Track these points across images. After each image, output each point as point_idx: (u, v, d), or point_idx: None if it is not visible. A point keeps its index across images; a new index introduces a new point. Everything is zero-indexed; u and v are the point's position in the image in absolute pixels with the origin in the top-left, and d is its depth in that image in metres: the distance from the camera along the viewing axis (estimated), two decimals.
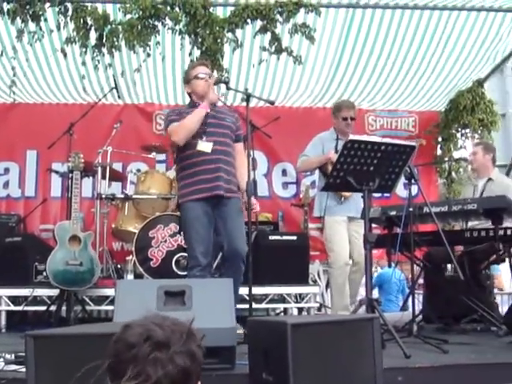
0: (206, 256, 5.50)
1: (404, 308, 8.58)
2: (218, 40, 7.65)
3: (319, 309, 8.02)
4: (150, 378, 1.67)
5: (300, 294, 7.76)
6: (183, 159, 5.70)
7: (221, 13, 7.84)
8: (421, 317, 6.74)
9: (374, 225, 6.59)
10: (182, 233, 6.89)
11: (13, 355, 4.33)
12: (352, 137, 5.33)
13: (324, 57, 8.95)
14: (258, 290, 7.01)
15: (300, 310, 7.81)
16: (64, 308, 6.87)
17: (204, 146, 5.58)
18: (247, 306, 5.44)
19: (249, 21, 7.68)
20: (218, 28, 7.61)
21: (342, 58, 9.04)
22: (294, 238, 7.73)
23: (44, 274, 7.01)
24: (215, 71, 7.49)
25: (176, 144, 5.60)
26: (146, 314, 1.84)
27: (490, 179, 7.20)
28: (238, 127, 5.93)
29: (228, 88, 5.74)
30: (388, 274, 11.63)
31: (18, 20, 7.53)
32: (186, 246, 5.79)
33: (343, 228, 7.10)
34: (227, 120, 5.84)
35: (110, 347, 1.79)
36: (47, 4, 7.50)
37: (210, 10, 7.64)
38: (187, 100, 9.59)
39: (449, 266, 7.47)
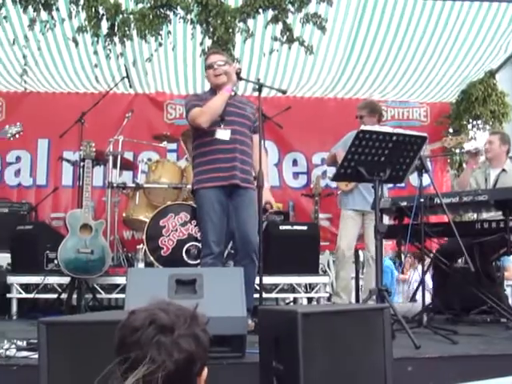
0: (218, 244, 5.53)
1: (413, 299, 8.59)
2: (230, 30, 7.64)
3: (329, 299, 8.03)
4: (154, 362, 1.69)
5: (310, 284, 7.78)
6: (200, 146, 5.71)
7: (232, 2, 7.84)
8: (430, 307, 6.74)
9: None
10: (193, 221, 6.96)
11: (24, 342, 4.37)
12: (363, 127, 5.34)
13: (336, 47, 8.94)
14: (268, 280, 7.00)
15: (310, 299, 7.83)
16: (75, 296, 6.92)
17: (222, 133, 5.58)
18: (257, 295, 5.46)
19: (260, 10, 7.67)
20: (229, 18, 7.61)
21: (353, 48, 9.02)
22: (305, 227, 7.73)
23: (55, 261, 7.04)
24: None
25: (200, 127, 5.58)
26: (151, 301, 1.85)
27: (503, 170, 7.16)
28: (256, 119, 5.92)
29: (240, 78, 5.72)
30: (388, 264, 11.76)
31: (30, 9, 7.55)
32: (200, 232, 5.82)
33: (349, 220, 7.40)
34: (246, 110, 5.83)
35: (115, 334, 1.81)
36: None
37: None
38: (198, 89, 9.71)
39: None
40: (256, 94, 5.83)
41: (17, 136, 5.73)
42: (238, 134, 5.65)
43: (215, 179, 5.54)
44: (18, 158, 10.15)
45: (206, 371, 1.83)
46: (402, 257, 7.27)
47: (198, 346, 1.76)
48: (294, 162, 10.49)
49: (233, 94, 5.74)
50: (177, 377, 1.70)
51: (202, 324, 1.82)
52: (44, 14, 7.64)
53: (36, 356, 3.64)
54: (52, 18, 7.70)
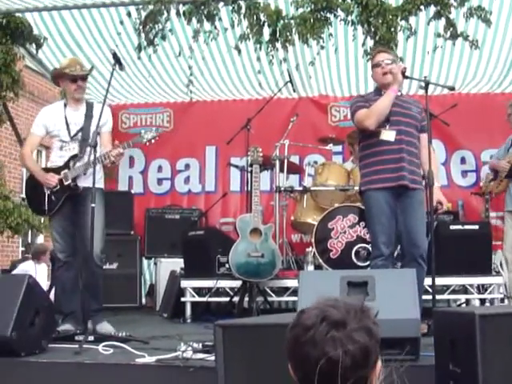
0: (388, 246, 5.47)
1: None
2: (392, 29, 7.54)
3: (502, 300, 7.79)
4: (331, 358, 1.69)
5: (483, 285, 7.58)
6: (366, 147, 5.69)
7: (393, 1, 7.73)
8: None
9: None
10: (361, 223, 6.95)
11: (200, 344, 4.50)
12: None
13: (502, 40, 8.61)
14: (439, 281, 6.86)
15: (482, 301, 7.62)
16: (246, 299, 7.05)
17: (387, 134, 5.52)
18: (430, 297, 5.36)
19: (422, 7, 7.53)
20: (390, 16, 7.50)
21: None
22: (476, 227, 7.54)
23: (226, 266, 7.22)
24: None
25: (367, 129, 5.56)
26: (318, 299, 1.86)
27: None
28: (423, 118, 5.79)
29: (405, 77, 5.65)
30: None
31: (194, 21, 7.76)
32: (369, 234, 5.81)
33: (507, 222, 7.61)
34: (412, 110, 5.74)
35: (287, 334, 1.83)
36: (221, 3, 7.69)
37: None
38: (361, 90, 9.64)
39: None
40: (421, 92, 5.73)
41: (152, 141, 5.77)
42: (404, 134, 5.57)
43: (383, 180, 5.49)
44: (187, 166, 10.47)
45: (379, 363, 1.83)
46: None
47: (371, 339, 1.76)
48: (462, 160, 10.20)
49: (399, 93, 5.68)
50: (353, 370, 1.71)
51: (372, 316, 1.82)
52: (207, 25, 7.83)
53: (211, 358, 3.74)
54: (215, 27, 7.87)
